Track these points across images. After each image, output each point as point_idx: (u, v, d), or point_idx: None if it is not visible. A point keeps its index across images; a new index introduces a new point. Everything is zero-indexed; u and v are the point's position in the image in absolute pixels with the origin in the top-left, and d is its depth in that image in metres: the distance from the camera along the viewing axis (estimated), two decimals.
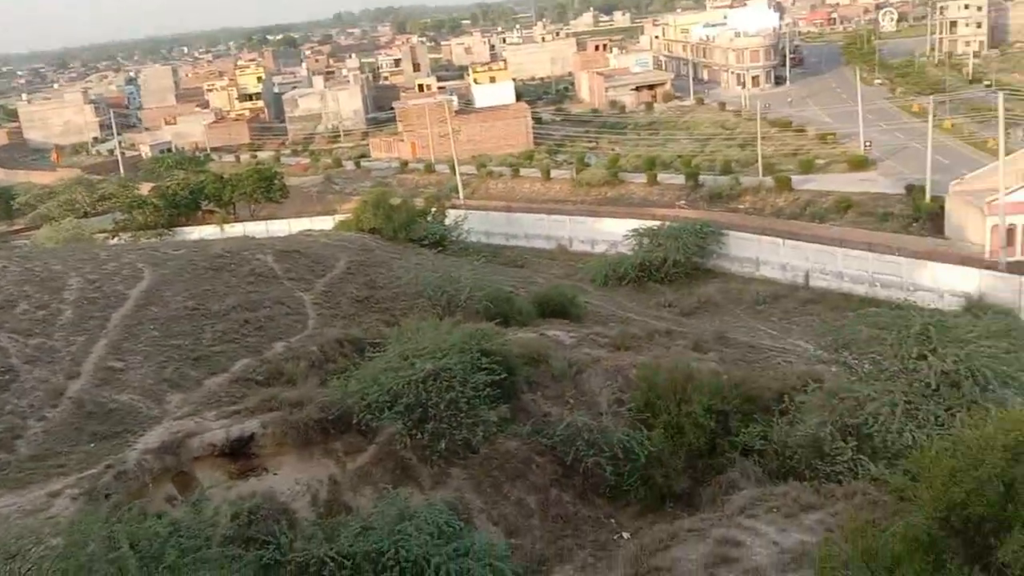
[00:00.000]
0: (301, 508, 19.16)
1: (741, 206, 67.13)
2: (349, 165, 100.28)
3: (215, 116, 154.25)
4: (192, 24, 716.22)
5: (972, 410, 20.14)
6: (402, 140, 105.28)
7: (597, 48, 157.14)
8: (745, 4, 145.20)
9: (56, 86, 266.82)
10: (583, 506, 23.59)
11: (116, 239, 71.29)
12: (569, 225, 73.04)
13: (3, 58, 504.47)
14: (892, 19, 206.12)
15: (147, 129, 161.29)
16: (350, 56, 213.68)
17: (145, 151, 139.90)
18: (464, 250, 55.09)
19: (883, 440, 21.69)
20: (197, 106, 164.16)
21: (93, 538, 12.43)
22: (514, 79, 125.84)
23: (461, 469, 22.81)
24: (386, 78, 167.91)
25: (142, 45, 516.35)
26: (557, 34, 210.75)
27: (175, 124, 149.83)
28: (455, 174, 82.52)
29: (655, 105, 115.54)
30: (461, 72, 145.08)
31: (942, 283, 50.34)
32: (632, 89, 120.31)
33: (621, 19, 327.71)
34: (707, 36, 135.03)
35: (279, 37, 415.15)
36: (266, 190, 79.96)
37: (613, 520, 23.35)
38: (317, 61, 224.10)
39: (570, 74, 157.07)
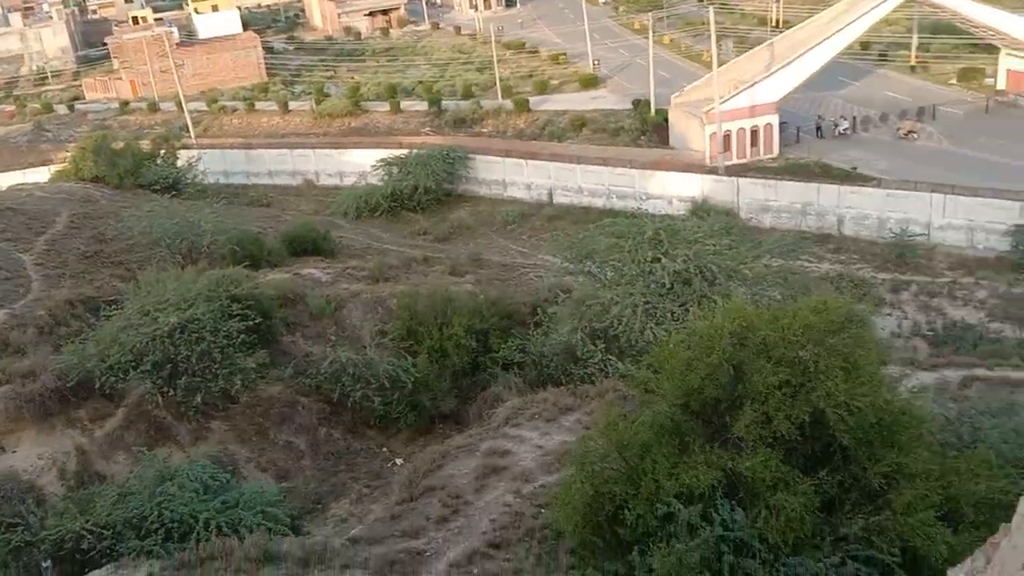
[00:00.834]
0: (48, 483, 18.29)
1: (484, 130, 68.32)
2: (62, 109, 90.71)
3: None
4: None
5: (702, 303, 22.29)
6: (120, 78, 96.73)
7: None
8: None
9: None
10: (354, 440, 23.76)
11: None
12: (314, 159, 71.05)
13: None
14: None
15: None
16: None
17: None
18: (202, 192, 52.04)
19: (628, 339, 23.55)
20: None
21: None
22: (239, 7, 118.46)
23: (222, 421, 22.22)
24: (95, 11, 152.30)
25: None
26: None
27: None
28: (183, 112, 77.25)
29: (391, 31, 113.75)
30: (179, 2, 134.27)
31: (670, 190, 54.43)
32: (366, 14, 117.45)
33: None
34: None
35: None
36: None
37: (385, 449, 23.72)
38: None
39: None
